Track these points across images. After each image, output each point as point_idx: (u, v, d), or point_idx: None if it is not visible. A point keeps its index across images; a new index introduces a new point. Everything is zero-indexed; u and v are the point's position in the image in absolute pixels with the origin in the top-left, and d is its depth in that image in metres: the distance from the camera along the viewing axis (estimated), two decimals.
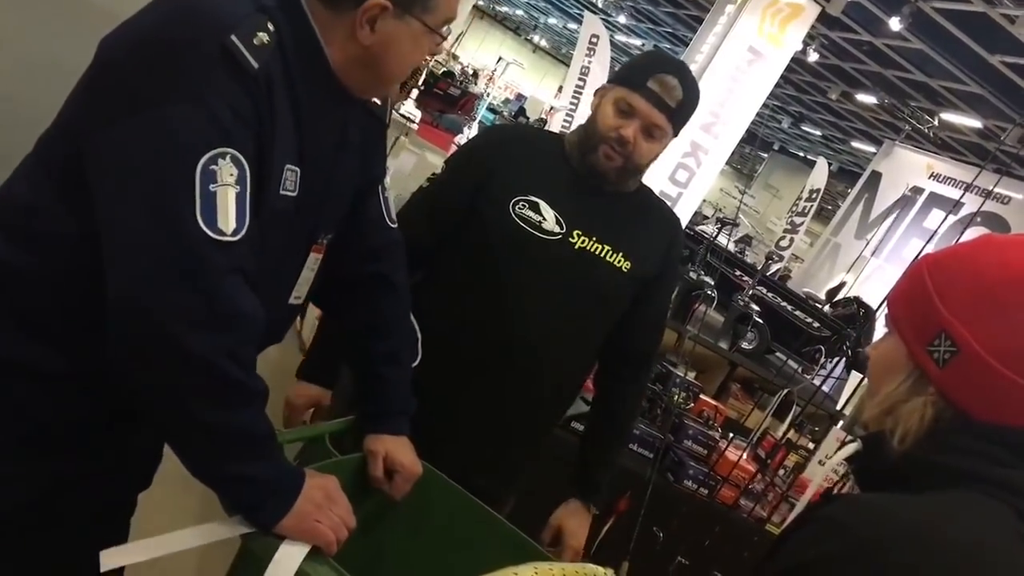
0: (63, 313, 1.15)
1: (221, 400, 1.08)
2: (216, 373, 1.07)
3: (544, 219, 1.78)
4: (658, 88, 1.74)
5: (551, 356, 1.82)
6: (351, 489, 1.30)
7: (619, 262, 1.84)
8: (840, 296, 13.02)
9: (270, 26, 1.13)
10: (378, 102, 1.39)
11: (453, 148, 8.88)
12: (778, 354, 11.28)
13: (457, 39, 22.17)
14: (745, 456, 3.17)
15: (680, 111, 1.77)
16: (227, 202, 1.06)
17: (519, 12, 38.82)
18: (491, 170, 1.82)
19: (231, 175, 1.07)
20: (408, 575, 1.51)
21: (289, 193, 1.20)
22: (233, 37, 1.08)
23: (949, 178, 13.94)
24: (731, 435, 3.30)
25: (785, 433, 3.28)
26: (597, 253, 1.82)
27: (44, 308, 1.15)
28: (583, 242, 1.81)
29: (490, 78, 22.62)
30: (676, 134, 1.82)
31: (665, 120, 1.76)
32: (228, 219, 1.06)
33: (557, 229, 1.79)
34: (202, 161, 1.05)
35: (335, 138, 1.29)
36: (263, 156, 1.13)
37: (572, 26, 27.13)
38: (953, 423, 0.92)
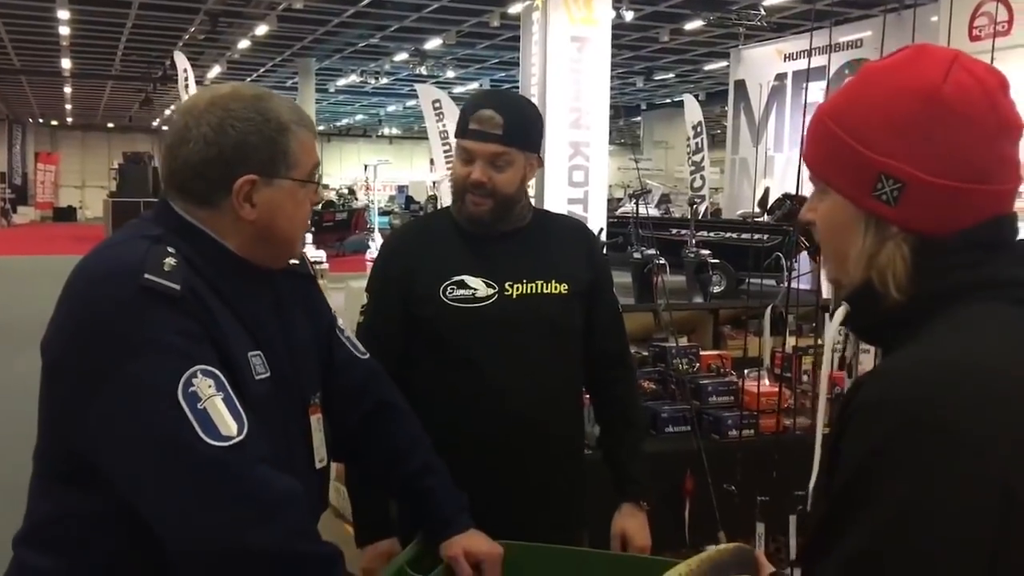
0: None
1: None
2: (292, 556, 1.14)
3: (475, 289, 1.90)
4: (478, 125, 1.87)
5: (541, 397, 1.91)
6: None
7: (556, 288, 1.94)
8: (771, 201, 13.31)
9: (170, 249, 1.21)
10: (296, 262, 1.47)
11: (368, 262, 8.97)
12: (749, 280, 11.47)
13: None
14: (767, 382, 3.26)
15: (510, 132, 1.87)
16: (219, 410, 1.13)
17: (358, 117, 39.37)
18: (407, 277, 1.93)
19: (209, 387, 1.14)
20: None
21: (263, 375, 1.28)
22: (146, 275, 1.16)
23: (802, 52, 14.39)
24: (745, 371, 3.39)
25: (784, 341, 3.38)
26: (534, 291, 1.93)
27: None
28: (518, 289, 1.92)
29: (365, 187, 22.85)
30: (530, 149, 1.92)
31: (499, 146, 1.87)
32: (227, 424, 1.13)
33: (490, 291, 1.90)
34: (179, 389, 1.12)
35: (274, 312, 1.37)
36: (225, 356, 1.21)
37: (411, 103, 27.59)
38: (925, 250, 0.94)
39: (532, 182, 1.99)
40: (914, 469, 0.83)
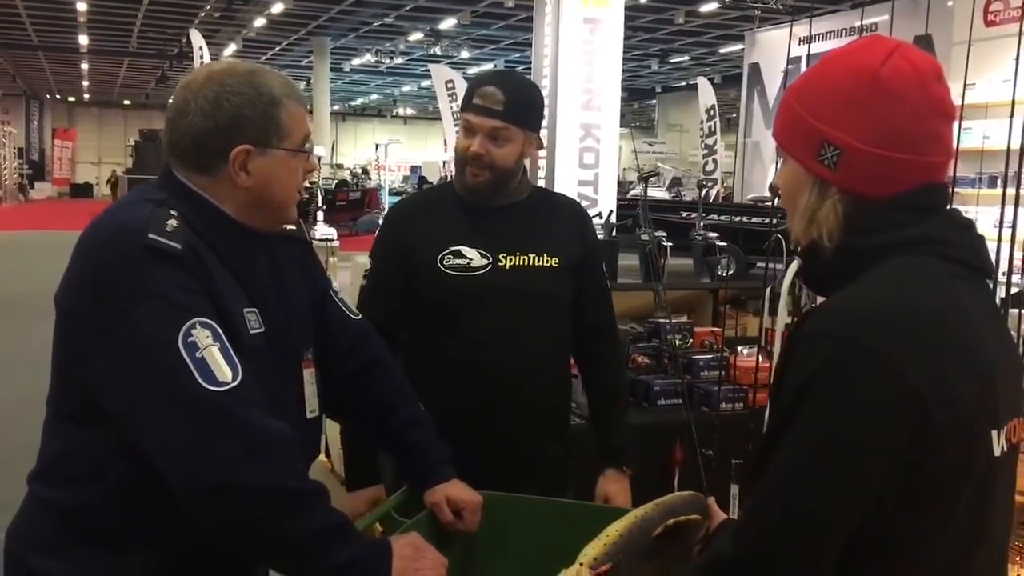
0: (125, 523, 1.32)
1: (294, 511, 1.25)
2: (280, 492, 1.24)
3: (470, 259, 2.00)
4: (481, 100, 1.97)
5: (529, 365, 2.01)
6: (432, 542, 1.45)
7: (547, 262, 2.05)
8: None
9: (173, 212, 1.31)
10: (291, 227, 1.57)
11: None
12: (759, 264, 11.50)
13: (332, 150, 22.52)
14: (761, 360, 3.35)
15: (510, 109, 1.97)
16: (215, 359, 1.24)
17: (373, 97, 39.43)
18: (408, 245, 2.04)
19: (207, 337, 1.25)
20: None
21: (258, 330, 1.38)
22: (150, 235, 1.27)
23: (817, 35, 14.35)
24: (738, 348, 3.48)
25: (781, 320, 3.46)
26: (527, 264, 2.03)
27: (111, 526, 1.32)
28: (511, 261, 2.02)
29: (378, 167, 22.92)
30: (531, 128, 2.03)
31: (499, 122, 1.97)
32: (223, 371, 1.24)
33: (484, 262, 2.01)
34: (180, 339, 1.23)
35: (270, 272, 1.47)
36: (222, 310, 1.31)
37: (426, 83, 27.62)
38: (859, 210, 1.09)
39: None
40: (847, 385, 0.99)
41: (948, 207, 1.12)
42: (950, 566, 1.05)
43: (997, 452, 1.05)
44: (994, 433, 1.04)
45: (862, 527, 1.00)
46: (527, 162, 2.12)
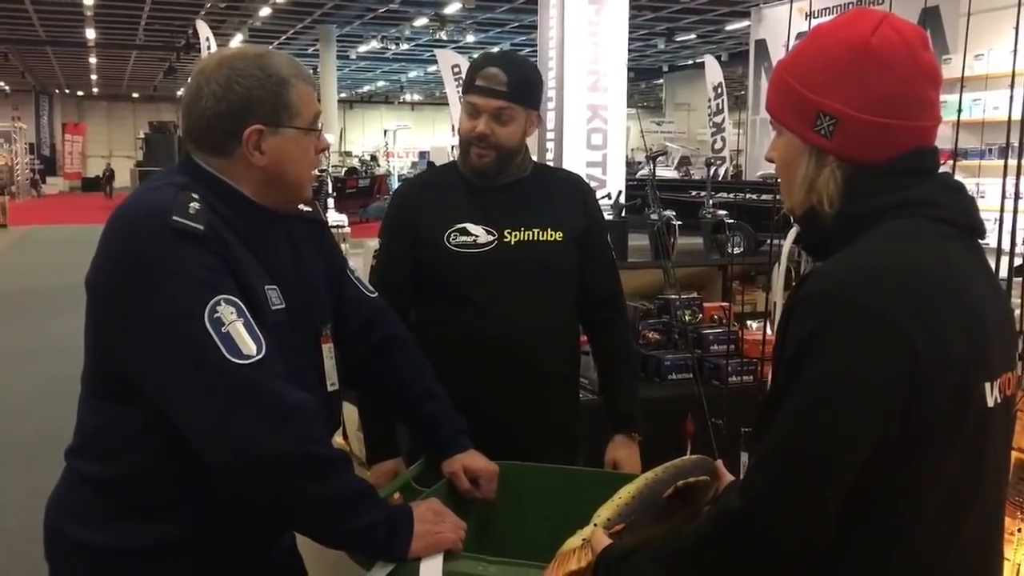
0: (159, 492, 1.39)
1: (320, 477, 1.31)
2: (307, 459, 1.30)
3: (476, 236, 2.06)
4: (484, 82, 2.02)
5: (537, 338, 2.07)
6: (451, 509, 1.51)
7: (551, 236, 2.10)
8: None
9: (194, 195, 1.37)
10: (307, 208, 1.63)
11: None
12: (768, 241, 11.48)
13: (340, 138, 22.55)
14: (770, 332, 3.39)
15: (513, 89, 2.02)
16: (240, 334, 1.30)
17: (380, 83, 39.36)
18: (414, 224, 2.10)
19: (232, 313, 1.31)
20: (535, 550, 1.72)
21: (279, 306, 1.44)
22: (174, 217, 1.32)
23: (824, 9, 14.26)
24: (747, 322, 3.52)
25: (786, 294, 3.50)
26: (531, 239, 2.09)
27: (146, 496, 1.39)
28: (516, 236, 2.08)
29: (386, 153, 22.95)
30: (532, 106, 2.08)
31: (503, 102, 2.02)
32: (248, 345, 1.30)
33: (490, 238, 2.07)
34: (206, 316, 1.29)
35: (288, 251, 1.53)
36: (244, 287, 1.37)
37: (432, 68, 27.59)
38: (857, 175, 1.13)
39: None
40: (846, 342, 1.04)
41: (940, 171, 1.16)
42: (947, 515, 1.09)
43: (990, 403, 1.09)
44: (987, 385, 1.09)
45: (861, 478, 1.05)
46: (530, 140, 2.17)
